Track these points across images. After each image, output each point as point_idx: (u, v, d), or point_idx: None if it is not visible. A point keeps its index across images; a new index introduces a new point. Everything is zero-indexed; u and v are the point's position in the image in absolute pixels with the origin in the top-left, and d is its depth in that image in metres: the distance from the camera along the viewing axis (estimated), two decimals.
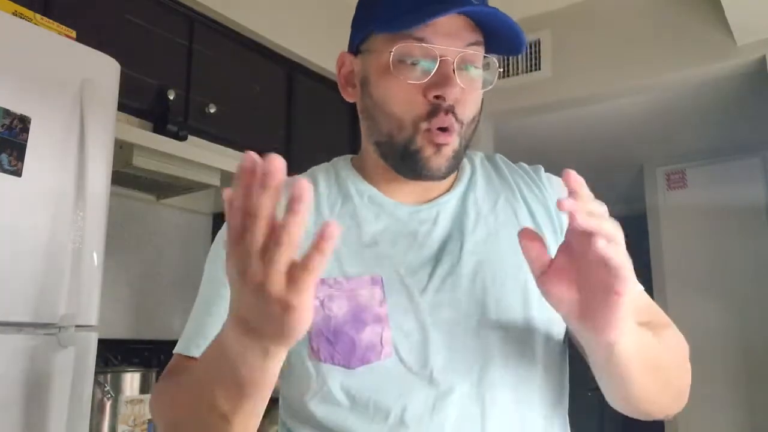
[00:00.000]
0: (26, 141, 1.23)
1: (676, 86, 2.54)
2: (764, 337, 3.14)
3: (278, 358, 0.52)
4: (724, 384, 3.14)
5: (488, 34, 0.73)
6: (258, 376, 0.53)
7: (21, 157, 1.22)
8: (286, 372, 0.76)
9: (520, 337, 0.73)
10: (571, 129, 3.13)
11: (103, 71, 1.39)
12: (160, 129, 1.85)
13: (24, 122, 1.23)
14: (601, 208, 0.53)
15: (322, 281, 0.70)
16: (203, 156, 1.87)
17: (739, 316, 3.18)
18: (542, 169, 0.85)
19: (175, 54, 1.97)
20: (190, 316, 0.79)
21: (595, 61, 2.47)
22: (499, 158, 0.86)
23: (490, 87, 0.75)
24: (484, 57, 0.74)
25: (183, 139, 1.89)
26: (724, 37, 2.29)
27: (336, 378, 0.69)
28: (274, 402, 2.23)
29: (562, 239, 0.74)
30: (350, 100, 0.82)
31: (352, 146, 2.47)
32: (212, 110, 1.99)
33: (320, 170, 0.84)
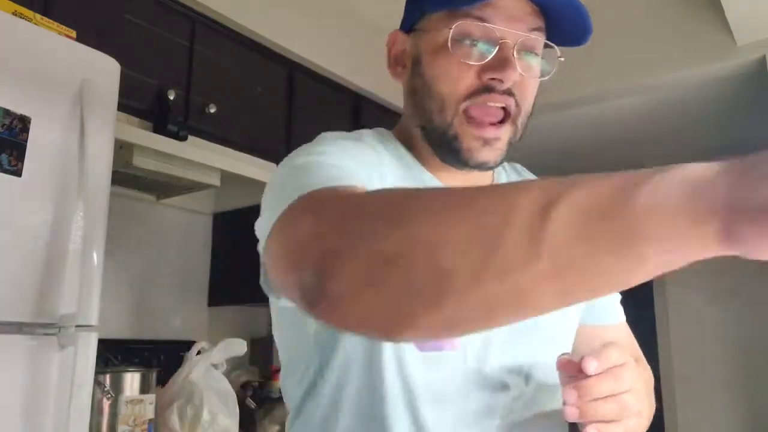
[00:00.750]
0: (26, 141, 1.23)
1: (676, 86, 2.54)
2: (764, 337, 3.14)
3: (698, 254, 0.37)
4: (724, 384, 3.14)
5: (551, 21, 0.70)
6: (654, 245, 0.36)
7: (21, 157, 1.22)
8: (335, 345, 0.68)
9: (559, 340, 0.74)
10: (571, 129, 3.13)
11: (103, 71, 1.39)
12: (160, 129, 1.85)
13: (24, 122, 1.23)
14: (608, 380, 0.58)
15: None
16: (203, 156, 1.87)
17: (740, 316, 3.18)
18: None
19: (176, 54, 1.97)
20: (294, 176, 0.60)
21: (595, 61, 2.47)
22: (520, 167, 0.86)
23: (548, 77, 0.72)
24: (546, 44, 0.71)
25: (183, 139, 1.88)
26: (724, 37, 2.29)
27: (403, 355, 0.65)
28: (274, 402, 2.21)
29: None
30: (398, 80, 0.79)
31: None
32: (212, 110, 1.99)
33: (379, 139, 0.76)
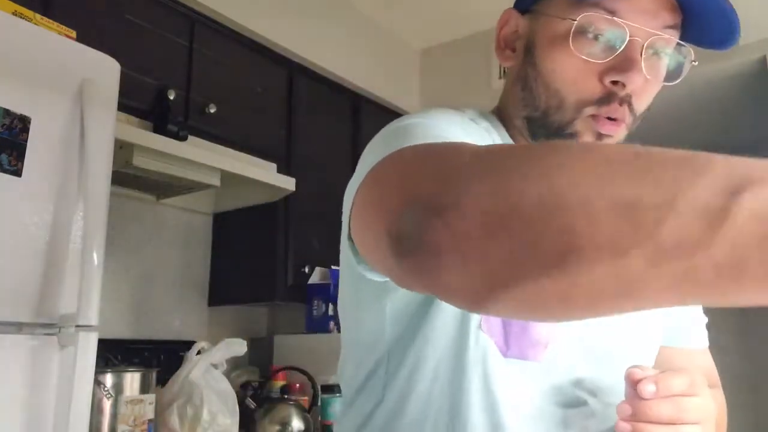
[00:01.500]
0: (26, 141, 1.23)
1: (676, 86, 2.54)
2: (764, 337, 3.14)
3: None
4: (724, 384, 3.14)
5: (689, 18, 0.63)
6: None
7: (21, 157, 1.22)
8: (417, 332, 0.63)
9: (641, 362, 0.68)
10: None
11: (103, 71, 1.39)
12: (160, 129, 1.85)
13: (24, 122, 1.23)
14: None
15: None
16: (203, 156, 1.87)
17: (740, 315, 3.18)
18: None
19: (175, 54, 1.97)
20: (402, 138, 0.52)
21: None
22: None
23: (677, 82, 0.66)
24: (679, 44, 0.64)
25: (183, 139, 1.88)
26: None
27: (491, 355, 0.61)
28: (274, 402, 2.21)
29: None
30: (505, 64, 0.71)
31: (353, 146, 2.47)
32: (212, 110, 1.99)
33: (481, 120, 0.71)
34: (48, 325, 1.23)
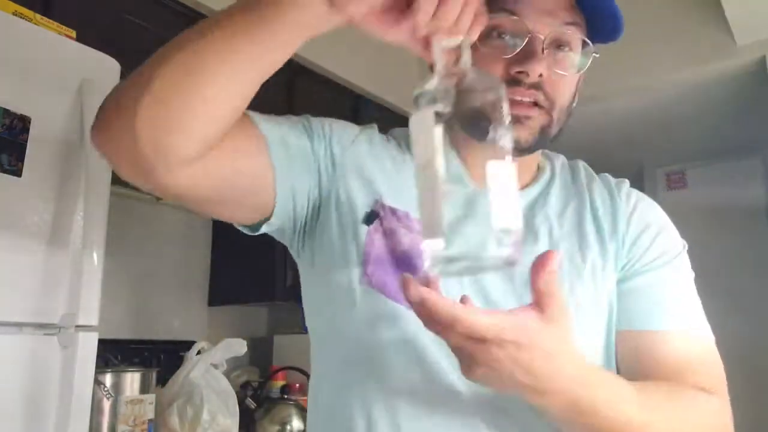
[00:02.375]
0: (26, 141, 1.23)
1: (676, 86, 2.54)
2: (765, 337, 3.14)
3: (313, 17, 0.52)
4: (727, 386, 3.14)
5: (588, 17, 0.70)
6: (278, 25, 0.53)
7: (21, 157, 1.22)
8: (322, 298, 0.74)
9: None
10: (571, 129, 3.12)
11: (103, 71, 1.39)
12: None
13: (24, 122, 1.23)
14: None
15: (394, 211, 0.69)
16: None
17: (740, 316, 3.18)
18: (627, 183, 0.81)
19: None
20: None
21: (595, 61, 2.46)
22: (582, 165, 0.83)
23: (583, 71, 0.72)
24: (583, 41, 0.70)
25: None
26: (724, 37, 2.29)
27: (382, 308, 0.67)
28: (274, 402, 2.21)
29: (624, 254, 0.74)
30: None
31: None
32: None
33: None
34: (48, 325, 1.23)
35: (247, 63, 0.54)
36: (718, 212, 3.37)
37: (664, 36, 2.40)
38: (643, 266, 0.74)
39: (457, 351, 0.51)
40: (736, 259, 3.28)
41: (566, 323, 0.52)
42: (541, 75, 0.67)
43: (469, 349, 0.50)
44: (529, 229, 0.74)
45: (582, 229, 0.75)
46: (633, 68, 2.41)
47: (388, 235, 0.69)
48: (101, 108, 0.62)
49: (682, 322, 0.73)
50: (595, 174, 0.82)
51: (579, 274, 0.72)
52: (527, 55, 0.66)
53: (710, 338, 0.74)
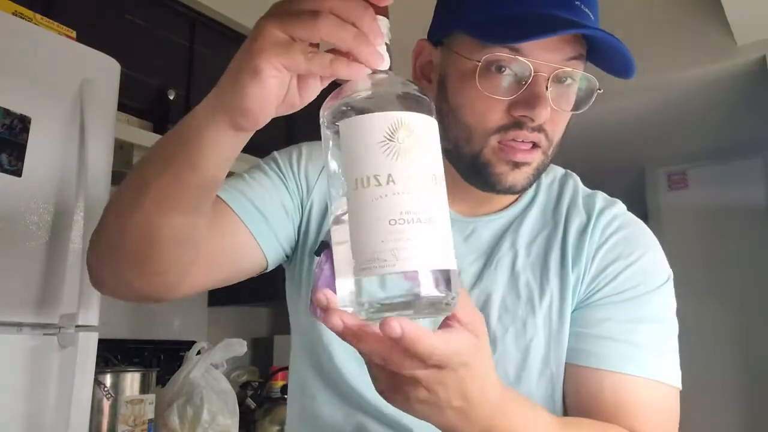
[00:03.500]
0: (26, 141, 1.23)
1: (676, 86, 2.54)
2: (764, 337, 3.14)
3: (222, 139, 0.52)
4: (724, 385, 3.14)
5: (595, 49, 0.66)
6: (195, 149, 0.52)
7: (21, 157, 1.22)
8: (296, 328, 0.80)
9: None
10: (571, 130, 3.12)
11: (103, 71, 1.39)
12: (160, 129, 1.85)
13: (24, 122, 1.23)
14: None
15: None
16: None
17: (740, 316, 3.18)
18: (614, 208, 0.74)
19: (175, 54, 1.97)
20: None
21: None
22: (572, 184, 0.78)
23: (584, 110, 0.67)
24: (584, 74, 0.66)
25: None
26: (724, 37, 2.29)
27: (328, 336, 0.70)
28: (274, 402, 2.21)
29: (583, 287, 0.70)
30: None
31: None
32: None
33: None
34: (48, 325, 1.23)
35: (182, 185, 0.54)
36: (719, 212, 3.37)
37: (665, 36, 2.40)
38: (600, 299, 0.70)
39: (391, 375, 0.44)
40: (736, 258, 3.28)
41: (486, 338, 0.47)
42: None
43: (421, 376, 0.43)
44: (492, 258, 0.71)
45: (546, 260, 0.71)
46: (635, 69, 2.41)
47: None
48: (88, 261, 0.65)
49: (628, 365, 0.66)
50: (582, 195, 0.76)
51: (533, 312, 0.69)
52: (532, 97, 0.62)
53: (662, 383, 0.67)
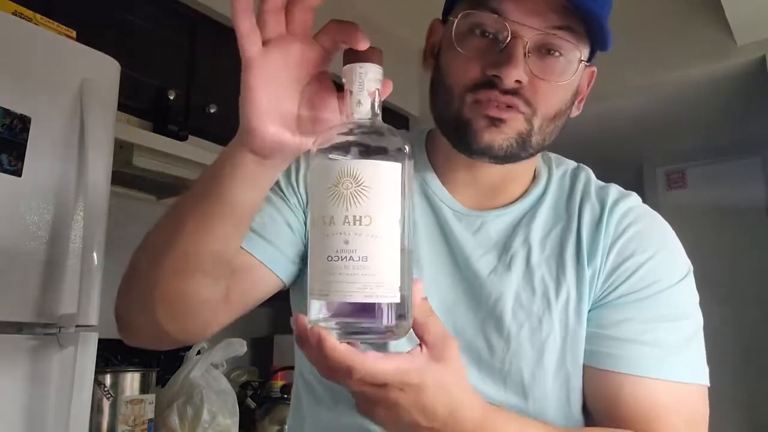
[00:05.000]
0: (26, 141, 1.23)
1: (676, 86, 2.54)
2: (765, 337, 3.14)
3: (247, 166, 0.53)
4: (724, 384, 3.14)
5: (586, 21, 0.63)
6: (225, 179, 0.54)
7: (21, 157, 1.22)
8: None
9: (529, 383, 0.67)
10: (571, 129, 3.12)
11: (103, 71, 1.39)
12: (160, 129, 1.85)
13: (24, 122, 1.23)
14: None
15: None
16: (203, 156, 1.87)
17: (740, 316, 3.18)
18: (628, 201, 0.72)
19: (175, 54, 1.97)
20: None
21: (595, 61, 2.46)
22: (584, 177, 0.76)
23: (569, 81, 0.65)
24: (572, 44, 0.64)
25: (183, 139, 1.88)
26: (724, 37, 2.29)
27: None
28: (274, 402, 2.21)
29: (600, 283, 0.68)
30: (427, 72, 0.73)
31: None
32: (212, 110, 1.99)
33: None
34: (48, 325, 1.23)
35: (217, 219, 0.56)
36: (718, 212, 3.37)
37: (664, 36, 2.40)
38: (617, 298, 0.68)
39: (355, 395, 0.49)
40: (736, 258, 3.28)
41: (457, 359, 0.49)
42: (519, 81, 0.62)
43: (368, 393, 0.47)
44: (505, 254, 0.70)
45: (562, 255, 0.69)
46: (633, 68, 2.41)
47: None
48: (118, 312, 0.66)
49: (647, 368, 0.65)
50: (595, 187, 0.75)
51: (549, 308, 0.68)
52: (506, 58, 0.61)
53: (685, 384, 0.66)
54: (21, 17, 1.36)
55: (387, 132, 0.48)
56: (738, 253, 3.29)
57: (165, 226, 0.60)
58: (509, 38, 0.61)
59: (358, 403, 0.50)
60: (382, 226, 0.45)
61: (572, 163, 0.79)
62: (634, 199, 0.74)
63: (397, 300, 0.45)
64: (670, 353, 0.66)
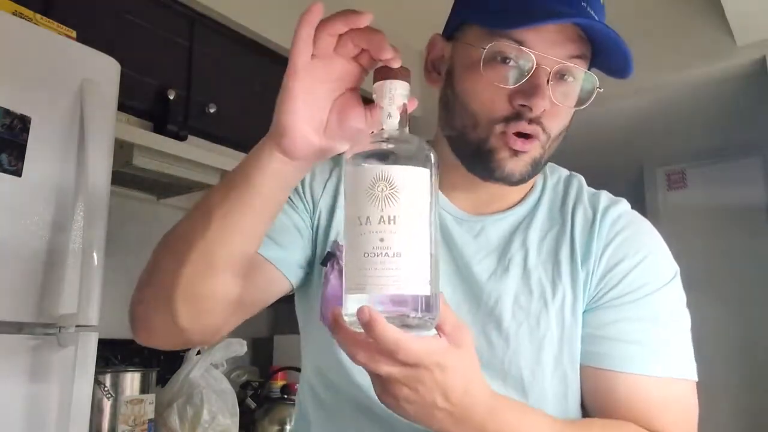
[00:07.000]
0: (26, 141, 1.23)
1: (676, 86, 2.54)
2: (765, 337, 3.14)
3: (274, 163, 0.58)
4: (724, 384, 3.14)
5: (597, 49, 0.69)
6: (254, 173, 0.59)
7: (21, 157, 1.22)
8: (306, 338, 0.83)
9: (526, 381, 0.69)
10: (571, 129, 3.12)
11: (103, 71, 1.39)
12: (160, 129, 1.85)
13: (24, 122, 1.23)
14: None
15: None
16: (203, 156, 1.87)
17: (740, 316, 3.18)
18: (619, 207, 0.76)
19: (175, 54, 1.97)
20: None
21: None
22: (577, 184, 0.80)
23: (584, 107, 0.70)
24: (586, 72, 0.69)
25: (183, 139, 1.88)
26: (724, 37, 2.29)
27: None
28: (274, 402, 2.21)
29: (593, 285, 0.72)
30: (433, 86, 0.77)
31: None
32: (212, 110, 1.99)
33: None
34: (48, 325, 1.23)
35: (247, 217, 0.60)
36: (718, 212, 3.37)
37: (665, 36, 2.40)
38: (609, 300, 0.71)
39: (380, 377, 0.51)
40: (736, 258, 3.28)
41: (471, 346, 0.53)
42: (543, 110, 0.66)
43: (397, 374, 0.49)
44: (503, 257, 0.73)
45: (557, 257, 0.73)
46: (633, 69, 2.41)
47: (342, 274, 0.71)
48: (134, 312, 0.71)
49: (639, 366, 0.68)
50: (587, 194, 0.78)
51: (546, 308, 0.71)
52: (532, 88, 0.65)
53: (676, 380, 0.70)
54: (21, 17, 1.36)
55: (415, 141, 0.52)
56: (738, 253, 3.28)
57: (189, 222, 0.63)
58: (534, 68, 0.65)
59: (381, 384, 0.52)
60: (413, 225, 0.49)
61: (565, 171, 0.83)
62: (624, 205, 0.78)
63: (427, 292, 0.49)
64: (662, 351, 0.70)
